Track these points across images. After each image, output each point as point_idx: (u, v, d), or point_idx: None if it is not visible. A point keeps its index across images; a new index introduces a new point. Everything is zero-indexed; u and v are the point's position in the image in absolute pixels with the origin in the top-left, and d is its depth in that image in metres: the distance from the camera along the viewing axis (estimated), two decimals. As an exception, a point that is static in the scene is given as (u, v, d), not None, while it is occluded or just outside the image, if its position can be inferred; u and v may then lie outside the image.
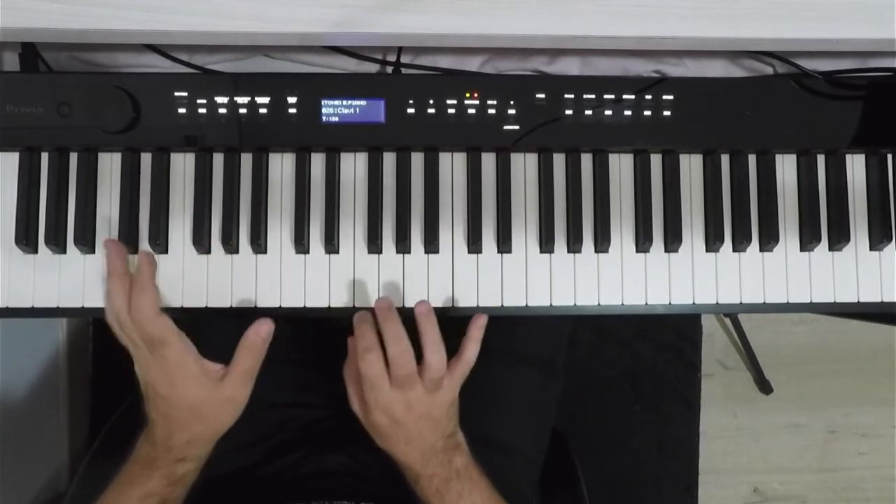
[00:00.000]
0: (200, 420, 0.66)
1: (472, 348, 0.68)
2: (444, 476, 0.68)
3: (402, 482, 0.71)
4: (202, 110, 0.68)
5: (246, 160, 0.71)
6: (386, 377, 0.66)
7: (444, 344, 0.66)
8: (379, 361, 0.65)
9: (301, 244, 0.70)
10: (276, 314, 0.70)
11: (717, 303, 0.73)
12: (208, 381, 0.66)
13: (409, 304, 0.71)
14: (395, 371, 0.65)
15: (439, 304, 0.71)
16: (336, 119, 0.69)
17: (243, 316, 0.69)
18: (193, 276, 0.70)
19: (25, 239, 0.69)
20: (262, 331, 0.66)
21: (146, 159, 0.70)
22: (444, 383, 0.67)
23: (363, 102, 0.69)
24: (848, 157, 0.73)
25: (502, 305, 0.72)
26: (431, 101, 0.69)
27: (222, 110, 0.69)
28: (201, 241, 0.70)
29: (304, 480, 0.81)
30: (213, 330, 0.86)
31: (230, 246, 0.70)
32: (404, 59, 0.72)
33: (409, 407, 0.66)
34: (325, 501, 0.76)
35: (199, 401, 0.66)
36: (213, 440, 0.69)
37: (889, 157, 0.73)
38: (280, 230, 0.71)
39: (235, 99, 0.69)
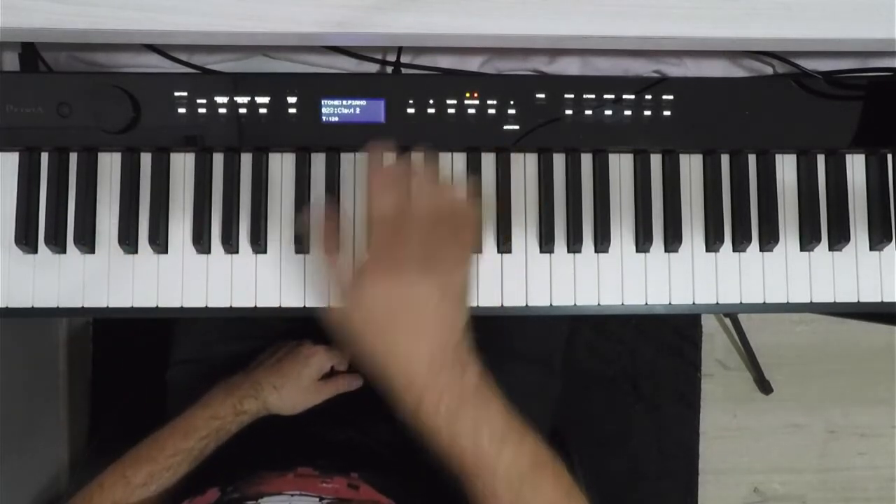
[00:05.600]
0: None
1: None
2: (456, 392, 0.56)
3: (409, 454, 0.70)
4: (202, 110, 0.68)
5: (246, 160, 0.71)
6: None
7: None
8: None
9: (301, 244, 0.70)
10: (275, 313, 0.71)
11: (717, 303, 0.73)
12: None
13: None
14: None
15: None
16: (336, 119, 0.69)
17: (241, 315, 0.70)
18: (193, 275, 0.70)
19: (25, 239, 0.69)
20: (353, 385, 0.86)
21: (146, 159, 0.70)
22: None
23: (363, 102, 0.69)
24: (848, 157, 0.73)
25: (502, 305, 0.72)
26: (431, 101, 0.69)
27: (222, 110, 0.69)
28: (201, 241, 0.70)
29: (308, 451, 0.81)
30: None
31: (230, 246, 0.70)
32: (404, 59, 0.72)
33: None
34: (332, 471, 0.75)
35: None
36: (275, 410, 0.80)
37: (889, 157, 0.73)
38: (280, 230, 0.71)
39: (235, 99, 0.69)
